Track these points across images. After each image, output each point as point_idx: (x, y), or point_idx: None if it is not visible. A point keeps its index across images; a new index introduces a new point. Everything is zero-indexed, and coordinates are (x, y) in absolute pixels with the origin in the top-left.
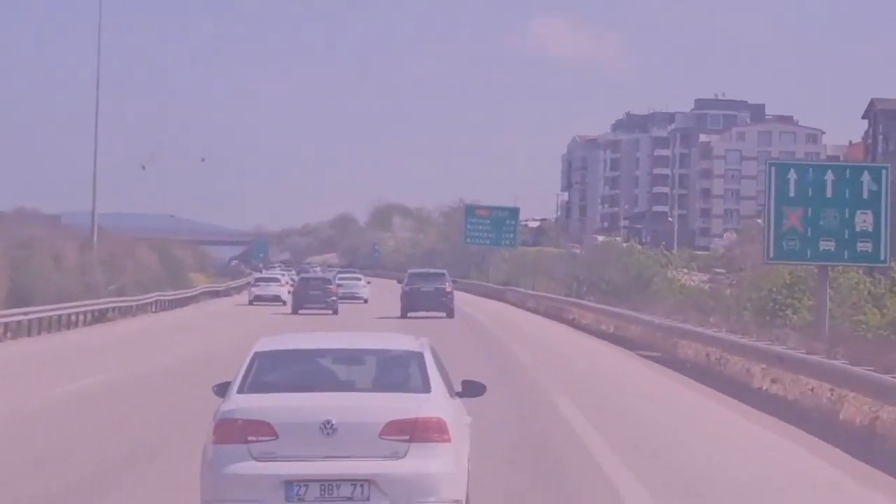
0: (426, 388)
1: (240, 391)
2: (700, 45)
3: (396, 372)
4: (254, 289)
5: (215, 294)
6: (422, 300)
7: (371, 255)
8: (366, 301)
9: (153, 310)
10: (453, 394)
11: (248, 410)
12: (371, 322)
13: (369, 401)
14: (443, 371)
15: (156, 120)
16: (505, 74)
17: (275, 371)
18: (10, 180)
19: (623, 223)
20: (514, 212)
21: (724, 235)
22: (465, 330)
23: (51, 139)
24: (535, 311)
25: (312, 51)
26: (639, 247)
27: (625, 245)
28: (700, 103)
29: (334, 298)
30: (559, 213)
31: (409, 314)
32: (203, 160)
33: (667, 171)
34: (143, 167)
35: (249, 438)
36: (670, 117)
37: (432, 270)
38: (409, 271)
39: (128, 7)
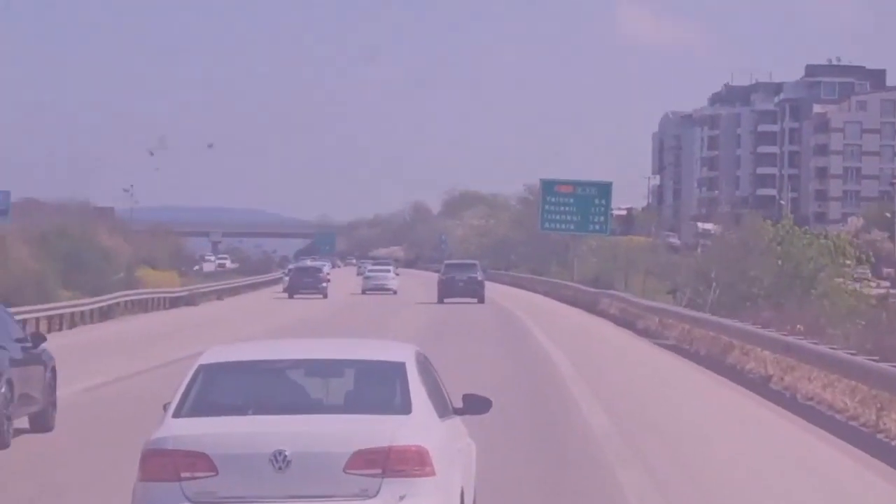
0: (405, 409)
1: (176, 415)
2: (805, 8)
3: (370, 388)
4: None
5: (174, 302)
6: (456, 287)
7: (438, 247)
8: (395, 292)
9: None
10: (448, 413)
11: (182, 439)
12: (402, 308)
13: (332, 425)
14: (431, 385)
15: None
16: (589, 60)
17: (222, 388)
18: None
19: (724, 209)
20: (604, 188)
21: (849, 221)
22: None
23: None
24: (655, 336)
25: (390, 39)
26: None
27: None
28: (811, 70)
29: (325, 284)
30: (650, 200)
31: (445, 300)
32: (210, 146)
33: (774, 148)
34: (151, 153)
35: (183, 475)
36: (776, 87)
37: (466, 261)
38: (445, 262)
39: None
